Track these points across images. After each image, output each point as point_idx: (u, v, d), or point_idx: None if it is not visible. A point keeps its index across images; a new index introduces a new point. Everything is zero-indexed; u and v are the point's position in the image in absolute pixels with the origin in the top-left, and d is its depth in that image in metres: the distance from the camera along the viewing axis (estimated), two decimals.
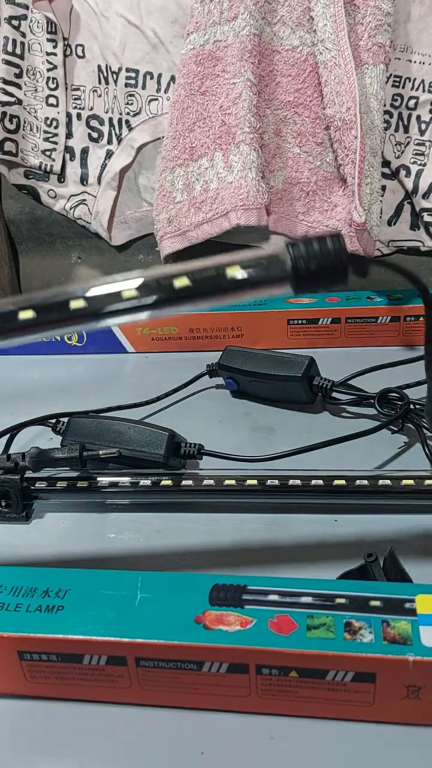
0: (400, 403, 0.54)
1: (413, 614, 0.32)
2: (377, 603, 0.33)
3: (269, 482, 0.47)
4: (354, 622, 0.32)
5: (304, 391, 0.57)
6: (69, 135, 0.73)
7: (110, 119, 0.72)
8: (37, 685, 0.35)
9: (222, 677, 0.33)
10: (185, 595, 0.35)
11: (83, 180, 0.75)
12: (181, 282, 0.33)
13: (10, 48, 0.69)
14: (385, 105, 0.66)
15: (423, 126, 0.68)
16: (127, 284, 0.33)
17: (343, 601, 0.33)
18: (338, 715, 0.33)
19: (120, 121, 0.71)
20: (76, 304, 0.33)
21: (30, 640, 0.34)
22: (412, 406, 0.53)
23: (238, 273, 0.33)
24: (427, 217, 0.71)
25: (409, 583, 0.35)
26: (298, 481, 0.47)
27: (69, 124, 0.73)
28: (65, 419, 0.54)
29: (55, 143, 0.73)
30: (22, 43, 0.69)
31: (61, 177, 0.75)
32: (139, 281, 0.33)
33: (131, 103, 0.70)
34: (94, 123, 0.72)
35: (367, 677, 0.31)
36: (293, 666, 0.32)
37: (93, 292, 0.34)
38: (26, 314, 0.33)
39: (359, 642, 0.31)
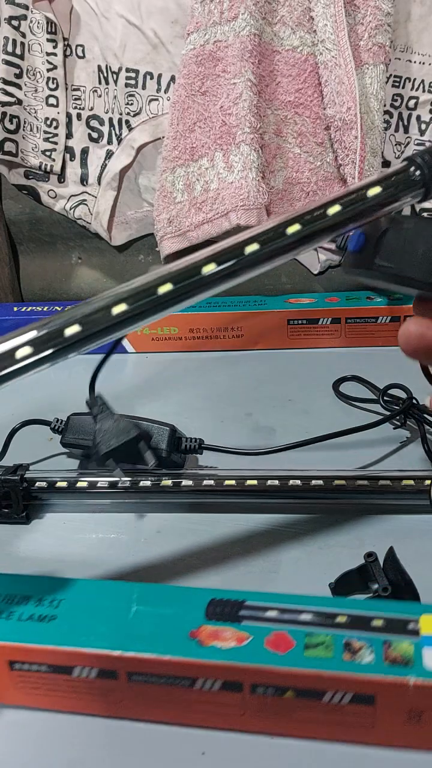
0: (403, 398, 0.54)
1: (416, 635, 0.31)
2: (379, 622, 0.32)
3: (269, 482, 0.47)
4: (354, 641, 0.31)
5: None
6: (69, 135, 0.73)
7: (110, 119, 0.72)
8: (27, 695, 0.34)
9: (215, 695, 0.32)
10: (181, 609, 0.34)
11: (83, 180, 0.75)
12: (333, 209, 0.36)
13: (10, 48, 0.69)
14: (385, 105, 0.66)
15: (423, 126, 0.68)
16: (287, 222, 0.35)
17: (343, 619, 0.32)
18: (337, 737, 0.32)
19: (120, 121, 0.71)
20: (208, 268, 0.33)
21: (20, 650, 0.33)
22: (414, 402, 0.53)
23: (377, 191, 0.36)
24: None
25: (414, 603, 0.34)
26: (298, 481, 0.47)
27: (69, 124, 0.73)
28: (63, 418, 0.54)
29: (55, 143, 0.73)
30: (22, 44, 0.69)
31: (61, 177, 0.75)
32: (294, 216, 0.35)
33: (131, 104, 0.70)
34: (94, 123, 0.72)
35: (367, 699, 0.30)
36: (289, 686, 0.31)
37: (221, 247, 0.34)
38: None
39: (358, 663, 0.30)
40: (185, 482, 0.48)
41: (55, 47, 0.69)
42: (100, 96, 0.71)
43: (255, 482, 0.47)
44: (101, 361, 0.52)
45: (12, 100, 0.71)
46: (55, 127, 0.72)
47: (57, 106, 0.72)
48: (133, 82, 0.69)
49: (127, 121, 0.71)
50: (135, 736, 0.33)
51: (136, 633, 0.33)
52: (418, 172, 0.37)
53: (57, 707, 0.34)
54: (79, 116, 0.72)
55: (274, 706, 0.31)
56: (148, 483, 0.48)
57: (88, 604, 0.35)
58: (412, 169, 0.38)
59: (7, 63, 0.69)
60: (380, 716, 0.31)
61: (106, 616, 0.34)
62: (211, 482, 0.48)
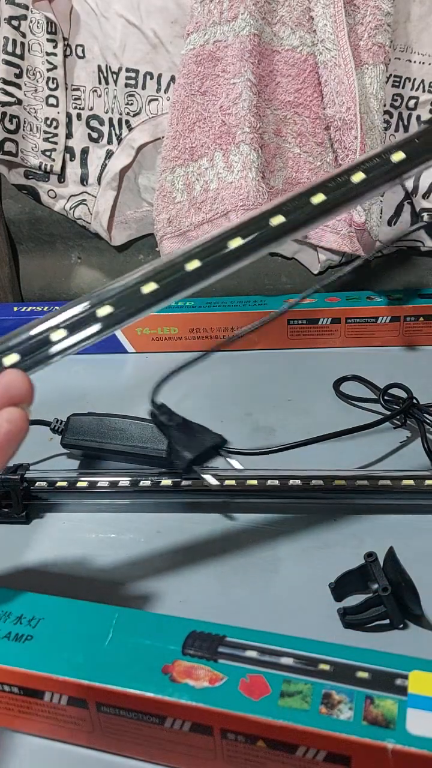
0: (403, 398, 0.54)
1: (403, 693, 0.29)
2: (365, 674, 0.29)
3: (269, 482, 0.47)
4: (334, 694, 0.29)
5: None
6: (69, 135, 0.73)
7: (110, 119, 0.72)
8: (1, 715, 0.34)
9: (185, 735, 0.30)
10: (159, 640, 0.32)
11: (83, 180, 0.75)
12: (358, 177, 0.36)
13: (10, 48, 0.69)
14: (385, 105, 0.66)
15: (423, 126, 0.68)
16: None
17: (326, 667, 0.30)
18: None
19: (120, 121, 0.71)
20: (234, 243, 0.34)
21: None
22: (415, 401, 0.53)
23: (401, 155, 0.38)
24: (427, 217, 0.71)
25: (406, 657, 0.31)
26: (298, 481, 0.47)
27: (69, 124, 0.73)
28: (63, 419, 0.54)
29: (55, 143, 0.73)
30: (22, 44, 0.69)
31: (61, 177, 0.75)
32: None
33: (131, 103, 0.70)
34: (94, 123, 0.72)
35: (342, 759, 0.28)
36: (260, 735, 0.29)
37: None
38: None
39: (335, 718, 0.28)
40: (185, 482, 0.48)
41: (55, 47, 0.69)
42: (100, 96, 0.71)
43: (255, 482, 0.47)
44: (167, 374, 0.52)
45: (12, 100, 0.70)
46: (55, 127, 0.72)
47: (57, 106, 0.72)
48: (133, 82, 0.69)
49: (127, 121, 0.71)
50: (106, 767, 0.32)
51: (110, 662, 0.31)
52: None
53: (29, 730, 0.34)
54: (79, 116, 0.72)
55: (246, 754, 0.30)
56: (148, 483, 0.48)
57: (66, 626, 0.34)
58: None
59: (7, 63, 0.69)
60: None
61: (82, 641, 0.33)
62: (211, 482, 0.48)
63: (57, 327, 0.32)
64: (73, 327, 0.32)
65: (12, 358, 0.31)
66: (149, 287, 0.33)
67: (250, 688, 0.30)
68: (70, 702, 0.32)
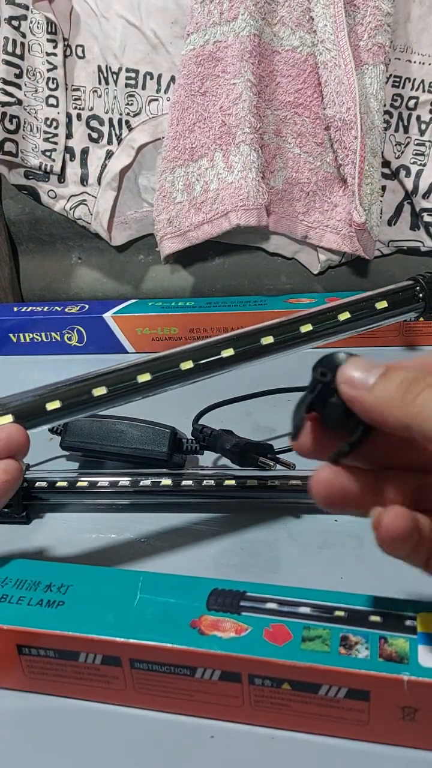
0: None
1: (413, 632, 0.31)
2: (377, 618, 0.32)
3: (269, 482, 0.47)
4: (351, 636, 0.32)
5: None
6: (69, 135, 0.73)
7: (110, 119, 0.72)
8: (36, 681, 0.35)
9: (215, 685, 0.32)
10: (184, 598, 0.34)
11: (83, 180, 0.75)
12: (344, 316, 0.44)
13: (10, 48, 0.69)
14: (385, 105, 0.66)
15: (423, 126, 0.68)
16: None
17: (341, 614, 0.33)
18: (332, 732, 0.32)
19: (120, 121, 0.71)
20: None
21: (28, 634, 0.34)
22: None
23: (384, 304, 0.45)
24: (427, 217, 0.71)
25: (414, 601, 0.33)
26: (298, 481, 0.47)
27: (69, 124, 0.73)
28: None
29: (55, 143, 0.73)
30: (22, 44, 0.69)
31: (61, 177, 0.75)
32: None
33: (131, 104, 0.70)
34: (94, 123, 0.72)
35: (361, 695, 0.31)
36: (285, 678, 0.31)
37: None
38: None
39: (354, 657, 0.31)
40: (185, 482, 0.48)
41: (55, 47, 0.69)
42: (100, 96, 0.71)
43: (255, 482, 0.47)
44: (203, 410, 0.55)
45: (12, 100, 0.71)
46: (55, 127, 0.72)
47: (57, 106, 0.72)
48: (133, 82, 0.69)
49: (127, 122, 0.71)
50: (137, 723, 0.34)
51: (140, 621, 0.33)
52: (422, 294, 0.46)
53: (64, 693, 0.35)
54: (79, 116, 0.72)
55: (272, 698, 0.32)
56: (148, 483, 0.48)
57: (95, 591, 0.35)
58: (418, 289, 0.47)
59: (7, 63, 0.69)
60: (375, 712, 0.31)
61: (112, 603, 0.35)
62: (211, 482, 0.48)
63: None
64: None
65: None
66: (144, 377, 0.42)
67: (274, 635, 0.32)
68: (104, 661, 0.33)
